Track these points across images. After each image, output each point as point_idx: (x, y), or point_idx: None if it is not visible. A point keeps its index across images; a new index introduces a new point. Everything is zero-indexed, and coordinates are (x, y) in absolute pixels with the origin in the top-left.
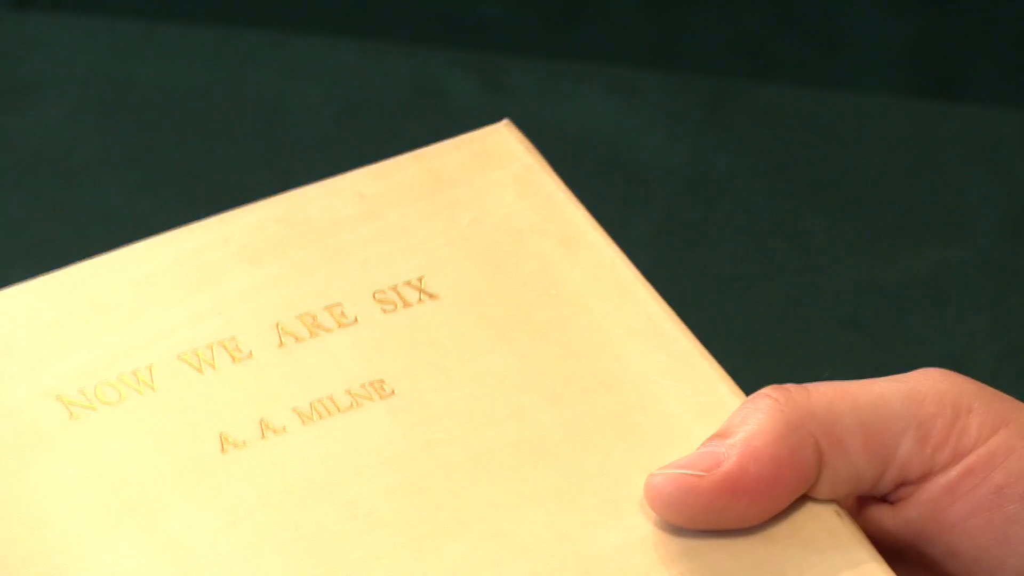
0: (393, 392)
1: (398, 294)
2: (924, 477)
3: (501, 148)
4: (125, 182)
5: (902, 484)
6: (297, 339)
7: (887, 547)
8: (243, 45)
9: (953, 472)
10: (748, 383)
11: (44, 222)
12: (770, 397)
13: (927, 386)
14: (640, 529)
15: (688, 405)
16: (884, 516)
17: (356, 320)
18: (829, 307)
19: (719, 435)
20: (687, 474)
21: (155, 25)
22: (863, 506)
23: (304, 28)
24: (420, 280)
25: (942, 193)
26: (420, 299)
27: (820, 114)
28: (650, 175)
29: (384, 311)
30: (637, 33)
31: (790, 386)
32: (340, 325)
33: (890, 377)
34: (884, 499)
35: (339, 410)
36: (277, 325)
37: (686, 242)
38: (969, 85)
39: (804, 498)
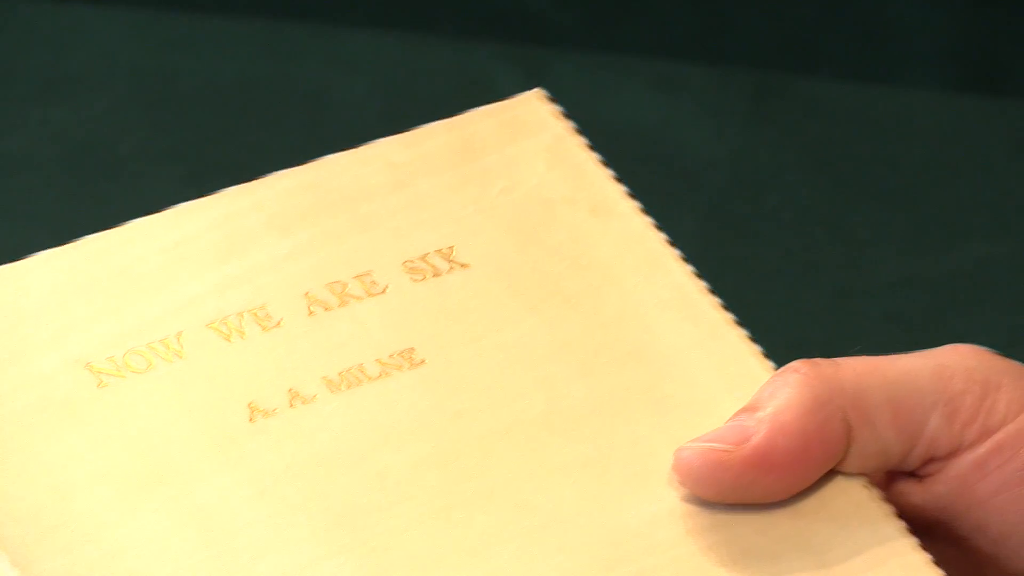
0: (422, 362)
1: (428, 263)
2: (952, 453)
3: (532, 117)
4: (170, 175)
5: (930, 460)
6: (327, 308)
7: (915, 522)
8: (288, 38)
9: (981, 449)
10: None
11: (88, 214)
12: (799, 371)
13: (956, 362)
14: (668, 501)
15: (717, 376)
16: (912, 491)
17: (386, 289)
18: (873, 301)
19: (747, 409)
20: (715, 448)
21: (200, 17)
22: (892, 481)
23: (349, 21)
24: (450, 249)
25: (986, 188)
26: (450, 268)
27: (865, 108)
28: (695, 169)
29: (414, 280)
30: (682, 27)
31: (819, 360)
32: (370, 294)
33: (919, 352)
34: (912, 474)
35: (368, 379)
36: (306, 294)
37: (731, 236)
38: (1014, 80)
39: (833, 472)
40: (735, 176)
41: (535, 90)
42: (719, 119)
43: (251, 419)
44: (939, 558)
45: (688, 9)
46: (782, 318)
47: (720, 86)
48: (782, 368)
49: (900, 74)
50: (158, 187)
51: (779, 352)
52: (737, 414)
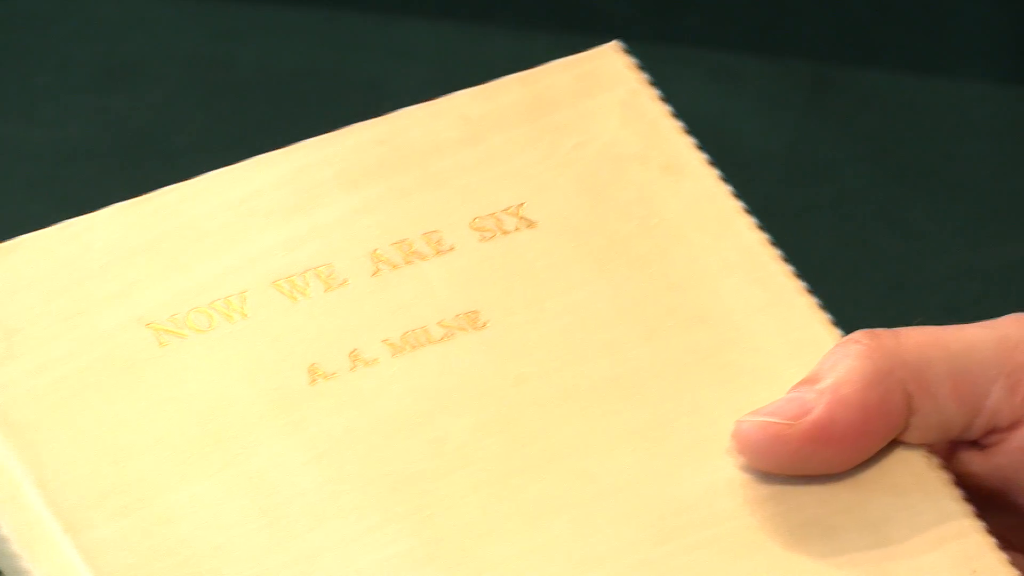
0: (486, 324)
1: (496, 221)
2: (1014, 425)
3: (608, 71)
4: (227, 163)
5: (992, 431)
6: (392, 267)
7: (976, 492)
8: (346, 27)
9: None
10: None
11: None
12: (860, 342)
13: (1019, 333)
14: (726, 471)
15: (783, 342)
16: (974, 461)
17: (453, 248)
18: (930, 293)
19: (808, 381)
20: (774, 422)
21: (258, 6)
22: (953, 451)
23: (407, 10)
24: (519, 207)
25: None
26: (518, 227)
27: (922, 100)
28: (751, 160)
29: (481, 239)
30: (739, 18)
31: (880, 331)
32: (436, 253)
33: (981, 323)
34: (975, 444)
35: (431, 342)
36: (373, 252)
37: (787, 227)
38: None
39: (893, 443)
40: (791, 167)
41: (612, 43)
42: (776, 110)
43: (311, 382)
44: (999, 528)
45: (745, 0)
46: (837, 311)
47: (777, 77)
48: (843, 339)
49: (957, 66)
50: None
51: None
52: (797, 386)
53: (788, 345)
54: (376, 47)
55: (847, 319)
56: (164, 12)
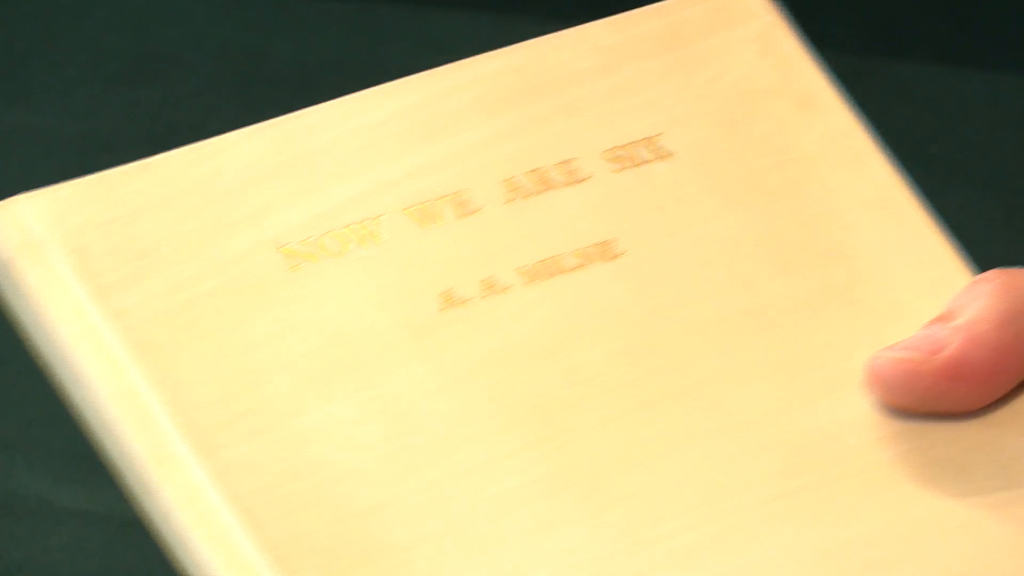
0: (620, 254)
1: (631, 152)
2: None
3: (744, 4)
4: None
5: None
6: (526, 195)
7: None
8: (379, 18)
9: None
10: None
11: None
12: (995, 281)
13: None
14: (858, 407)
15: (916, 279)
16: None
17: (587, 178)
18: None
19: (942, 318)
20: (908, 358)
21: None
22: None
23: (441, 2)
24: (655, 138)
25: None
26: (653, 158)
27: (955, 92)
28: None
29: (616, 170)
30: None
31: (1015, 270)
32: (571, 182)
33: None
34: None
35: (564, 271)
36: (507, 180)
37: None
38: None
39: None
40: None
41: None
42: None
43: (443, 308)
44: None
45: None
46: None
47: None
48: (978, 277)
49: (991, 58)
50: None
51: None
52: (931, 323)
53: (922, 282)
54: (409, 38)
55: None
56: (196, 3)
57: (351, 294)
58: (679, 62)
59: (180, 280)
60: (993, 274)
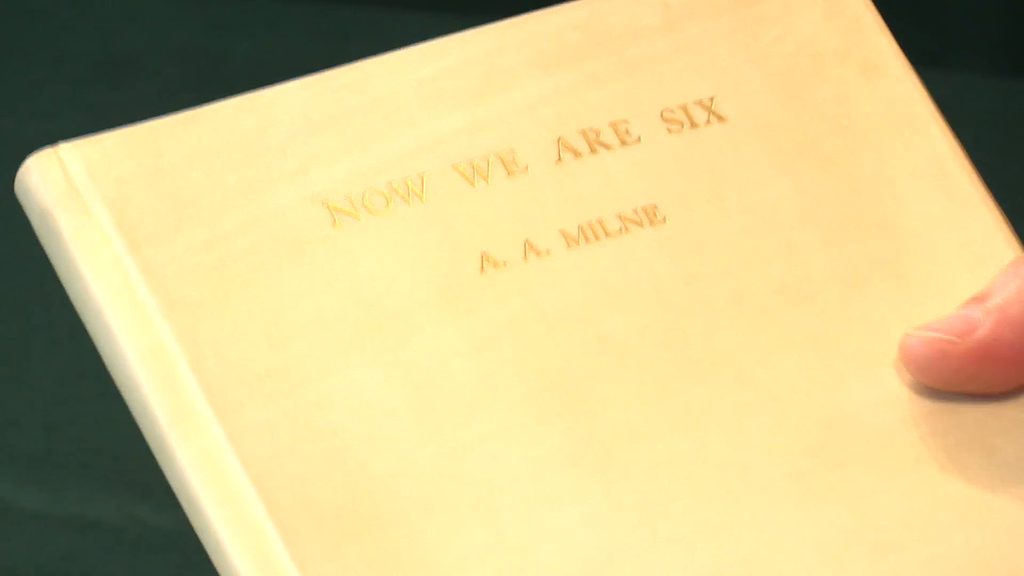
0: (664, 219)
1: (687, 113)
2: None
3: None
4: None
5: None
6: (576, 155)
7: None
8: (341, 19)
9: None
10: None
11: None
12: None
13: None
14: (889, 385)
15: (962, 254)
16: None
17: (639, 139)
18: None
19: (977, 299)
20: (940, 338)
21: None
22: None
23: (403, 3)
24: (711, 100)
25: None
26: (708, 120)
27: None
28: None
29: (669, 131)
30: None
31: None
32: (622, 143)
33: None
34: None
35: (607, 235)
36: (559, 139)
37: None
38: None
39: None
40: None
41: None
42: None
43: (481, 270)
44: None
45: None
46: None
47: None
48: (1016, 258)
49: (953, 57)
50: None
51: None
52: (967, 303)
53: (968, 258)
54: (371, 40)
55: None
56: (158, 5)
57: (390, 253)
58: (744, 21)
59: (218, 234)
60: None
